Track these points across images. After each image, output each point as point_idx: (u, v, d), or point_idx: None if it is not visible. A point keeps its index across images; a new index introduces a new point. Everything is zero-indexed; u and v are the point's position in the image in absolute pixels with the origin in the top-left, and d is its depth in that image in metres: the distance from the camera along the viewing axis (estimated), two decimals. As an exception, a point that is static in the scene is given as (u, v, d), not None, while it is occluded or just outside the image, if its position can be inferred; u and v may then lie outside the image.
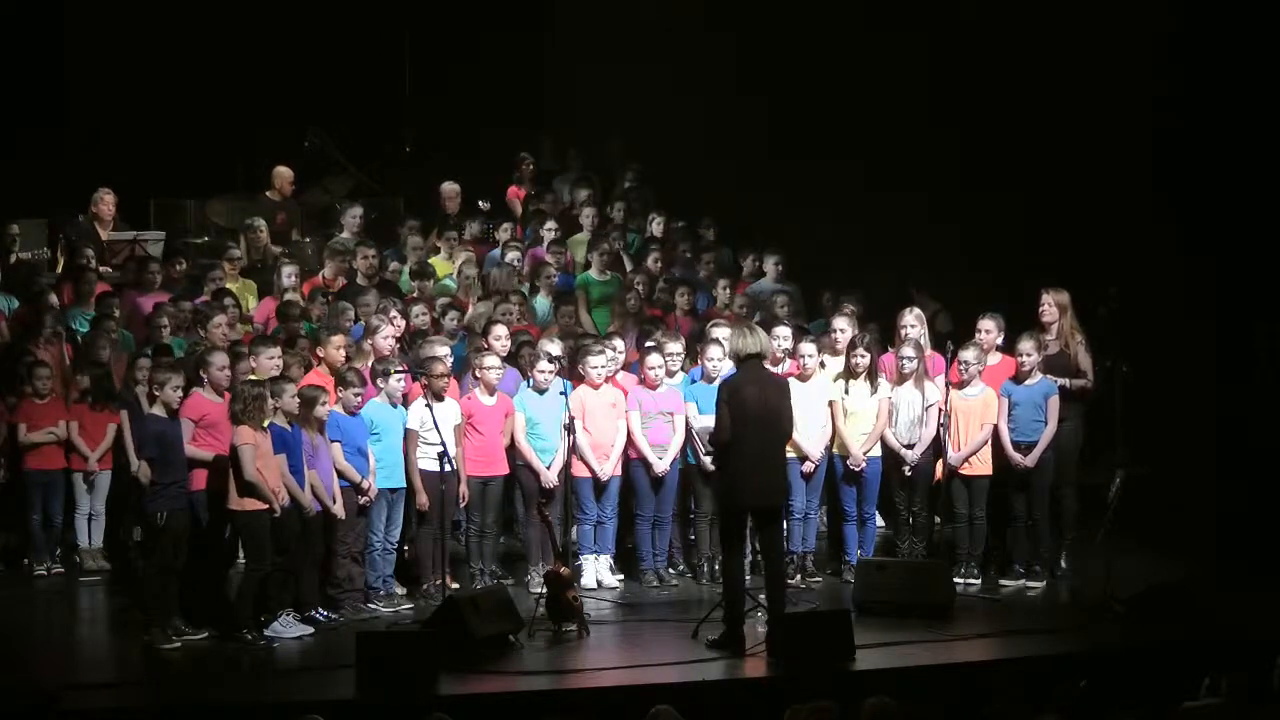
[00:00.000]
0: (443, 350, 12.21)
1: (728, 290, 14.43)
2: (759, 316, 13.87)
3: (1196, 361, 15.07)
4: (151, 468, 10.89)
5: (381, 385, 11.76)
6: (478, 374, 12.18)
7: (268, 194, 16.08)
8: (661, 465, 12.32)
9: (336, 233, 15.36)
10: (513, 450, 12.23)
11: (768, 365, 11.28)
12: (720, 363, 12.33)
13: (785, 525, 12.19)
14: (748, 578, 11.67)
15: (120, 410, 12.45)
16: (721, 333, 12.61)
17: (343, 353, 12.04)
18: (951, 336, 13.05)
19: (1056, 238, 15.24)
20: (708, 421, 12.08)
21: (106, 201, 15.00)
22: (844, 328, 12.65)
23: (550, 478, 12.15)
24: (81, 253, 14.22)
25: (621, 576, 12.44)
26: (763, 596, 11.02)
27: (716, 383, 12.19)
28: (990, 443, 12.27)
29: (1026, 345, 12.24)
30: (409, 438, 11.78)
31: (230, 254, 14.54)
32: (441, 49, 18.04)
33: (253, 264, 14.89)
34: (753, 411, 10.71)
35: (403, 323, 12.75)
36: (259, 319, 13.72)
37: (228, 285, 13.91)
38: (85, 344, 12.92)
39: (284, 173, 16.10)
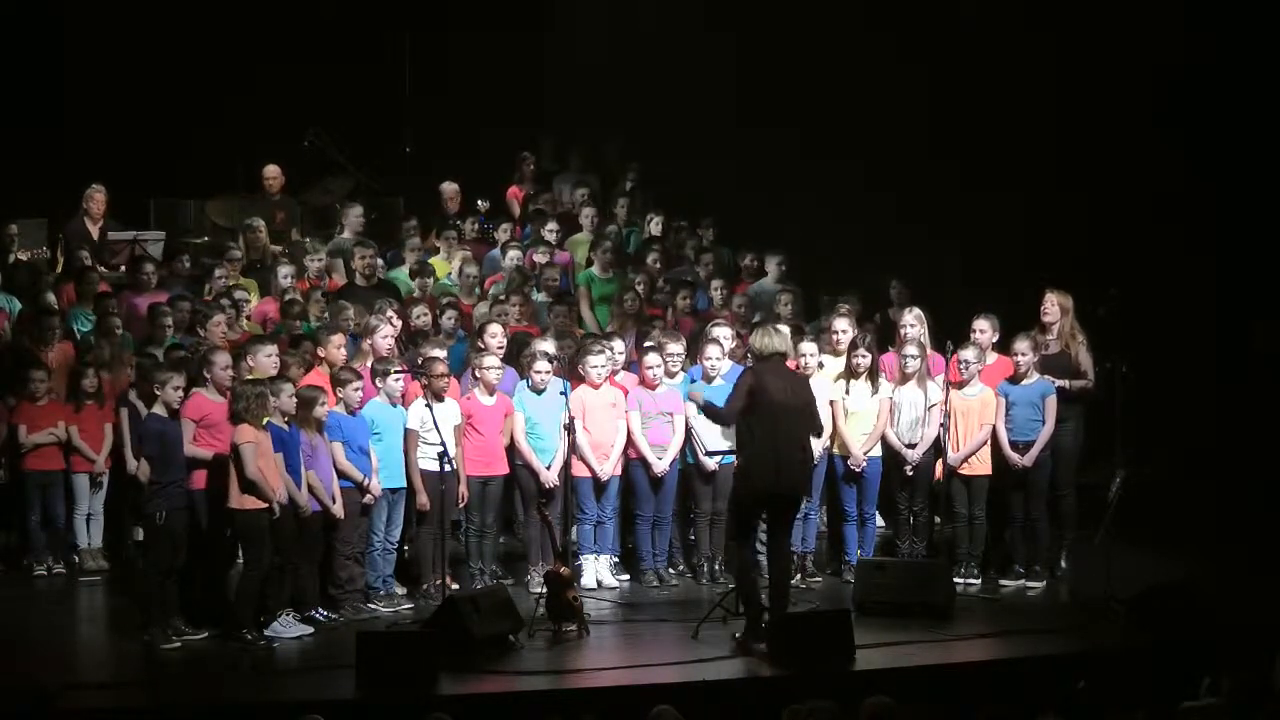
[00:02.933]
0: (441, 351, 12.22)
1: (720, 291, 14.42)
2: (759, 316, 13.89)
3: (1196, 361, 15.06)
4: (151, 467, 10.90)
5: (380, 385, 11.77)
6: (477, 374, 12.18)
7: (261, 194, 16.07)
8: (661, 465, 12.32)
9: (336, 233, 15.37)
10: (512, 450, 12.23)
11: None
12: (719, 362, 12.34)
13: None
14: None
15: (121, 410, 12.44)
16: (722, 332, 12.60)
17: (343, 351, 12.05)
18: (937, 335, 13.03)
19: (1056, 238, 15.23)
20: (708, 422, 12.06)
21: (97, 199, 14.99)
22: (844, 328, 12.64)
23: (550, 477, 12.15)
24: (77, 254, 14.22)
25: (626, 577, 12.44)
26: (764, 596, 11.02)
27: (718, 382, 12.21)
28: (990, 443, 12.27)
29: (1022, 345, 12.24)
30: (409, 438, 11.78)
31: (230, 254, 14.55)
32: (441, 49, 18.04)
33: (252, 264, 14.88)
34: (777, 401, 10.71)
35: (399, 322, 12.74)
36: (256, 318, 13.72)
37: (240, 284, 13.91)
38: (86, 344, 12.93)
39: (271, 170, 16.10)
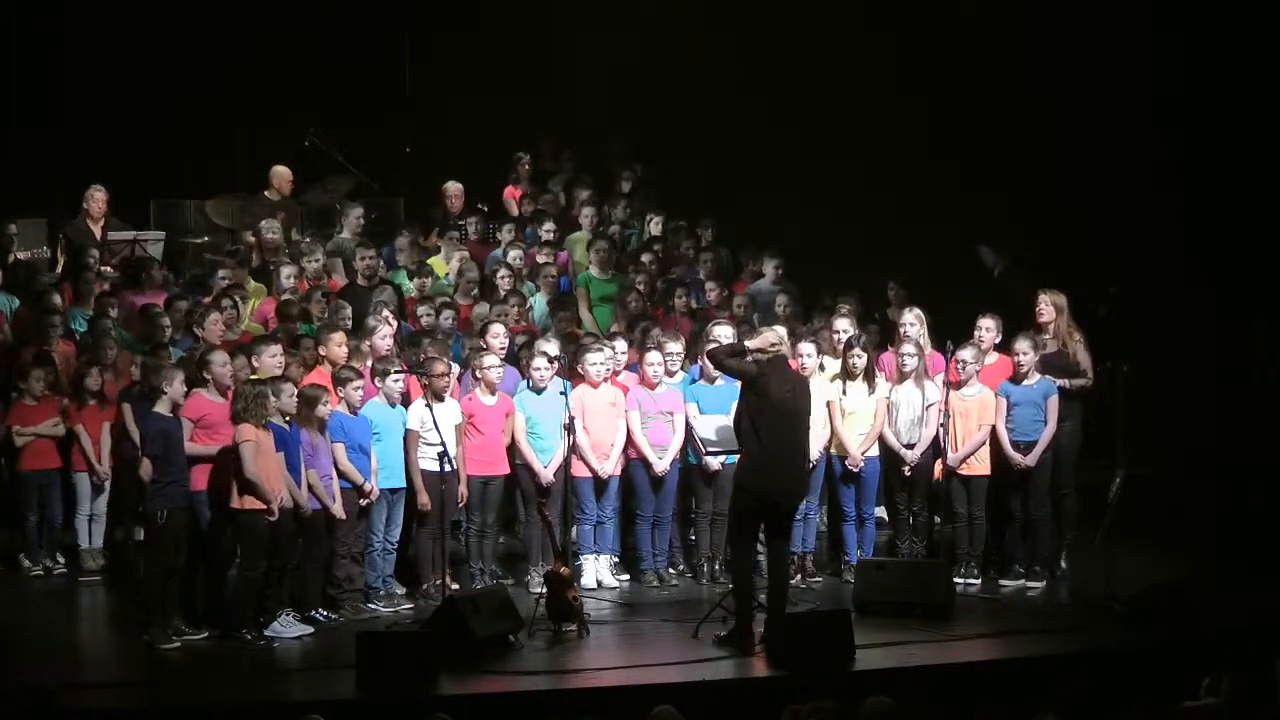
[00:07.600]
0: (441, 352, 12.22)
1: (718, 292, 14.41)
2: (758, 316, 13.89)
3: (1196, 361, 15.07)
4: (154, 466, 10.89)
5: (380, 385, 11.77)
6: (478, 374, 12.18)
7: (266, 194, 16.08)
8: (661, 465, 12.32)
9: (336, 233, 15.37)
10: (513, 450, 12.23)
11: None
12: (719, 362, 12.34)
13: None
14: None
15: (123, 406, 12.42)
16: (722, 331, 12.58)
17: (344, 350, 12.05)
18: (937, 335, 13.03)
19: (1056, 238, 15.23)
20: (707, 421, 12.05)
21: (97, 199, 15.02)
22: (845, 328, 12.64)
23: (547, 475, 12.13)
24: (87, 253, 14.23)
25: (626, 577, 12.44)
26: (763, 597, 11.01)
27: (718, 382, 12.21)
28: (989, 443, 12.27)
29: (1023, 345, 12.24)
30: (409, 438, 11.78)
31: (236, 254, 14.53)
32: (441, 49, 18.04)
33: (263, 265, 14.84)
34: (777, 403, 10.73)
35: (396, 322, 12.73)
36: (257, 319, 13.72)
37: (241, 284, 13.90)
38: (84, 344, 12.92)
39: (282, 172, 16.11)
